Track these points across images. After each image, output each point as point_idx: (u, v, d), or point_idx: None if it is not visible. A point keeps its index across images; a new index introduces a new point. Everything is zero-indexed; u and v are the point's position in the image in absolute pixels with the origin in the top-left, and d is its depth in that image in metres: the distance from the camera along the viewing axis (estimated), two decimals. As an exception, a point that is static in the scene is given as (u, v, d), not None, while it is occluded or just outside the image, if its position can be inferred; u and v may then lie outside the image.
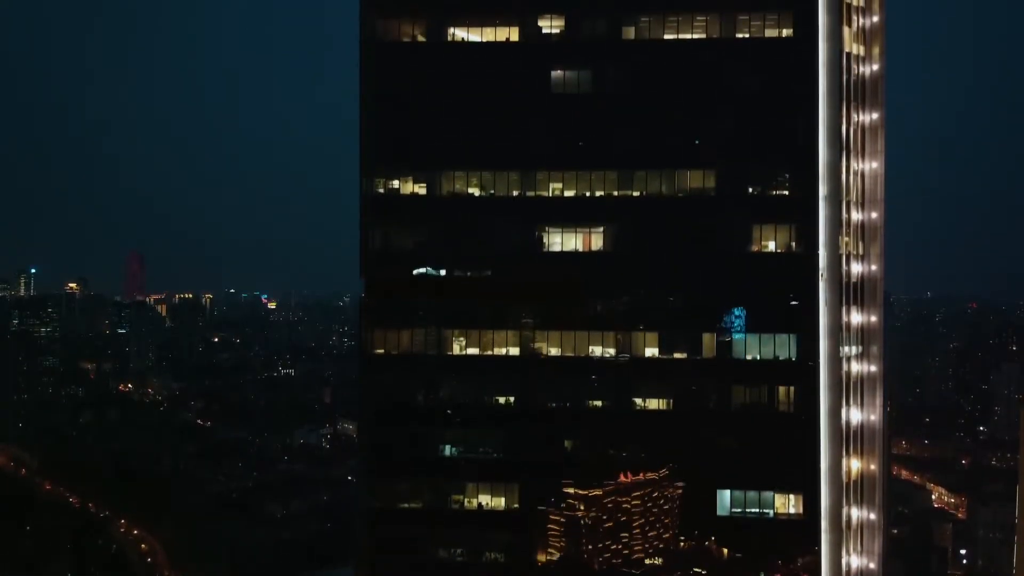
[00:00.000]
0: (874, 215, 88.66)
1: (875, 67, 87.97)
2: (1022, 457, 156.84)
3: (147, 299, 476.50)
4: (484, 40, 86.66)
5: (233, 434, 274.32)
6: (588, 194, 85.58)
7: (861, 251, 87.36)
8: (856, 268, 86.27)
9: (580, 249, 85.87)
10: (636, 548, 77.20)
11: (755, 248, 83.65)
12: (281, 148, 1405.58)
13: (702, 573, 80.00)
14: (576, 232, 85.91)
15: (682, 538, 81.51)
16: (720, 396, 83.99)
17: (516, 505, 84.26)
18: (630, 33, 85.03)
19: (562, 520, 75.70)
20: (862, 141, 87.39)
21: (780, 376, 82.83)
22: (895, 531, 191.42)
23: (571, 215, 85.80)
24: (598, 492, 76.83)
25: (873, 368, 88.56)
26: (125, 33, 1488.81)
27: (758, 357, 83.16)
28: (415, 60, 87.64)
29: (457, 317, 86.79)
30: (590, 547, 76.06)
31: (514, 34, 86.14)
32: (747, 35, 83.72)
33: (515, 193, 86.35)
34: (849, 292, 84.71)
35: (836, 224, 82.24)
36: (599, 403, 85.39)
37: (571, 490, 77.11)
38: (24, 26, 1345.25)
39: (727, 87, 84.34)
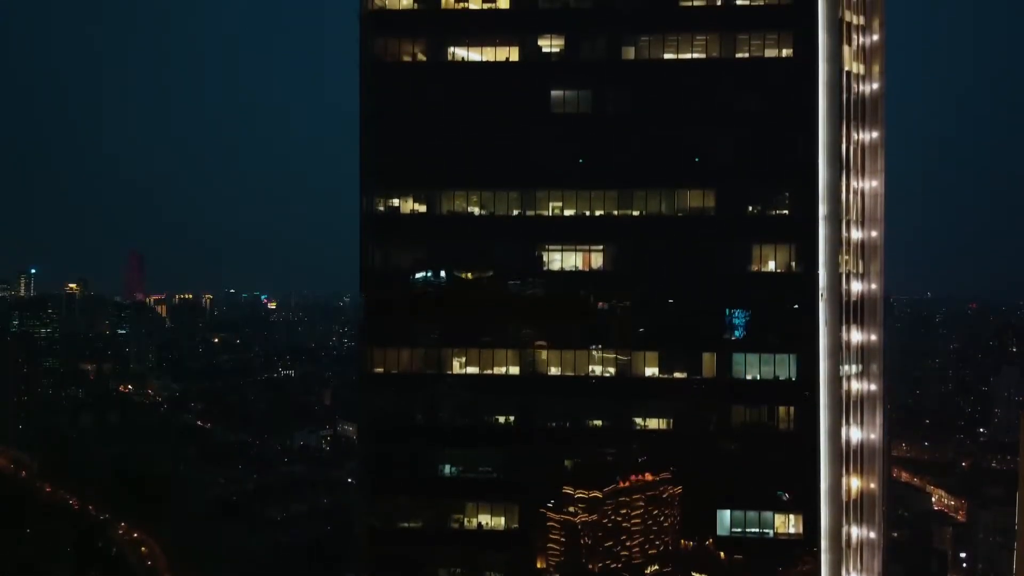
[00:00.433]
0: (874, 233, 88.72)
1: (875, 86, 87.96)
2: (1022, 463, 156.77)
3: (147, 300, 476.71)
4: (484, 59, 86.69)
5: (233, 436, 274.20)
6: (588, 213, 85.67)
7: (861, 269, 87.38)
8: (856, 286, 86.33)
9: (580, 268, 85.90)
10: (636, 551, 77.08)
11: (755, 267, 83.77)
12: (281, 148, 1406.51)
13: None
14: (576, 251, 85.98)
15: (683, 540, 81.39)
16: (720, 415, 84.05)
17: (516, 525, 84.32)
18: (630, 53, 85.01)
19: (561, 523, 75.58)
20: (862, 160, 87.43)
21: (780, 395, 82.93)
22: (895, 534, 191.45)
23: (571, 234, 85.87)
24: (598, 495, 76.66)
25: (873, 387, 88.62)
26: (126, 33, 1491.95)
27: (758, 376, 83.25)
28: (415, 79, 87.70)
29: (457, 336, 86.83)
30: (589, 550, 75.94)
31: (514, 54, 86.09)
32: (747, 55, 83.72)
33: (515, 212, 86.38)
34: (849, 311, 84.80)
35: (836, 243, 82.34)
36: (599, 422, 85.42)
37: (571, 493, 77.03)
38: (24, 26, 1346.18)
39: (727, 107, 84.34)
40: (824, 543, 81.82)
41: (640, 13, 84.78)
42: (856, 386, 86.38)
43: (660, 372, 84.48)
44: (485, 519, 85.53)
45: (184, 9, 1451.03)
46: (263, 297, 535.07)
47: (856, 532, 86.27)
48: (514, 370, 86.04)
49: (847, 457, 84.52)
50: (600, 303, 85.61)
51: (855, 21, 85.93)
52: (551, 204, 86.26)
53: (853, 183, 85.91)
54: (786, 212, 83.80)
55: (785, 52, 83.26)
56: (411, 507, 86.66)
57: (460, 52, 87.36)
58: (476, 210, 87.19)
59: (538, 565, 79.11)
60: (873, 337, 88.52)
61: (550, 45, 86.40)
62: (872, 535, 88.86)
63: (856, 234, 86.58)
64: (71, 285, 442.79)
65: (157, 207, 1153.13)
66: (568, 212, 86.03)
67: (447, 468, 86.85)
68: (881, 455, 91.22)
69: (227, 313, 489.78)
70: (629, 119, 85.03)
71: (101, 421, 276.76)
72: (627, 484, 77.97)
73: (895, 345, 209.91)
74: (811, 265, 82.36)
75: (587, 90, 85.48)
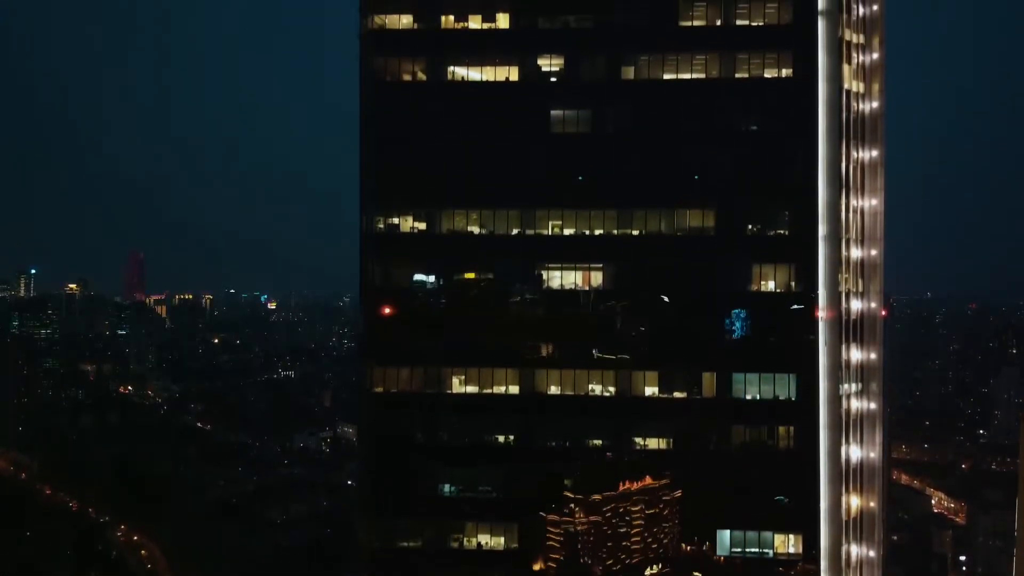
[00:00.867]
0: (873, 252, 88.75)
1: (875, 104, 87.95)
2: (1022, 470, 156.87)
3: (147, 300, 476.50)
4: (484, 79, 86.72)
5: (233, 437, 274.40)
6: (588, 232, 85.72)
7: (860, 288, 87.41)
8: (856, 305, 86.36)
9: (580, 287, 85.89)
10: (636, 554, 77.14)
11: (755, 287, 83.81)
12: (281, 147, 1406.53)
13: None
14: (576, 270, 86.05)
15: (683, 544, 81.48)
16: (720, 435, 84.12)
17: (516, 544, 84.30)
18: (629, 73, 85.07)
19: (561, 526, 75.65)
20: (862, 178, 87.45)
21: (780, 415, 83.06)
22: (895, 537, 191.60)
23: (571, 253, 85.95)
24: (597, 498, 76.70)
25: (872, 405, 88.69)
26: (126, 33, 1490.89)
27: (758, 396, 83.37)
28: (415, 97, 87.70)
29: (457, 354, 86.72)
30: (589, 553, 75.96)
31: (514, 73, 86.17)
32: (746, 75, 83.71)
33: (515, 231, 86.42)
34: (849, 329, 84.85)
35: (835, 263, 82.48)
36: (599, 441, 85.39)
37: (570, 496, 77.14)
38: (24, 25, 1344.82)
39: (726, 127, 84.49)
40: (824, 563, 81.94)
41: (640, 33, 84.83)
42: (856, 404, 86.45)
43: (660, 391, 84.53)
44: (485, 539, 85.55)
45: (184, 9, 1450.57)
46: (263, 297, 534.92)
47: (856, 551, 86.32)
48: (514, 389, 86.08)
49: (847, 476, 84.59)
50: (600, 322, 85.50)
51: (855, 40, 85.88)
52: (551, 223, 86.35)
53: (853, 201, 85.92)
54: (786, 232, 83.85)
55: (785, 72, 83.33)
56: (411, 526, 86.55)
57: (460, 71, 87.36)
58: (476, 229, 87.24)
59: (537, 567, 79.20)
60: (873, 355, 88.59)
61: (550, 64, 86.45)
62: (872, 554, 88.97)
63: (856, 252, 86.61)
64: (71, 285, 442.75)
65: (157, 207, 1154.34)
66: (568, 231, 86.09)
67: (447, 487, 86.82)
68: (881, 473, 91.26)
69: (227, 313, 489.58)
70: (629, 138, 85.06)
71: (101, 422, 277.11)
72: (627, 488, 78.05)
73: (895, 346, 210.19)
74: (811, 285, 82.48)
75: (587, 109, 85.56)
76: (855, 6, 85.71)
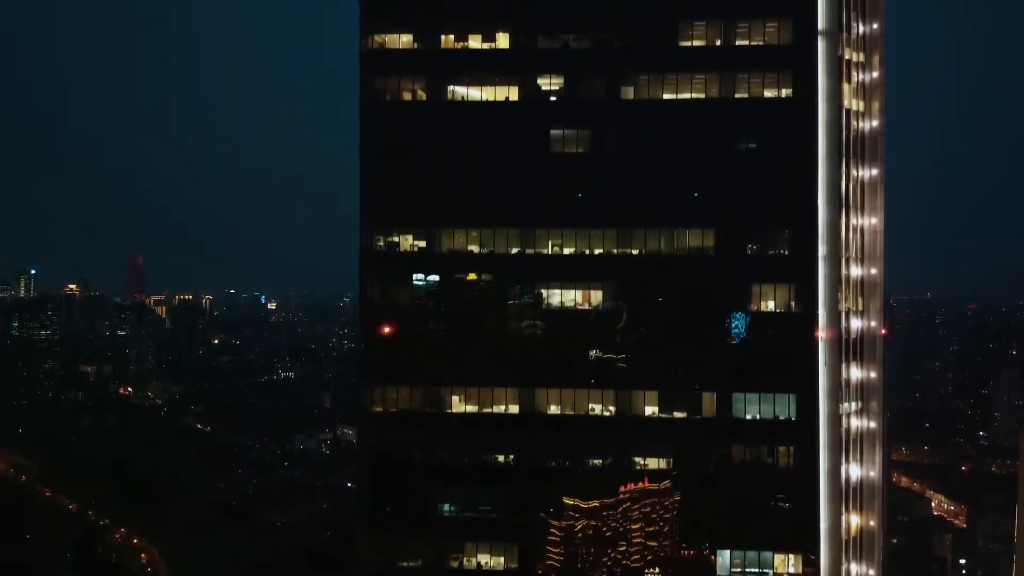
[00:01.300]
0: (873, 271, 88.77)
1: (875, 123, 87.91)
2: (1022, 477, 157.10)
3: (147, 300, 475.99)
4: (484, 98, 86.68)
5: (233, 439, 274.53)
6: (588, 252, 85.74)
7: (860, 307, 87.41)
8: (856, 324, 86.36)
9: (580, 307, 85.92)
10: (635, 558, 77.33)
11: (754, 307, 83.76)
12: (281, 148, 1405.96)
13: None
14: (576, 290, 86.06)
15: (683, 547, 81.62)
16: (720, 455, 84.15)
17: (515, 565, 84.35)
18: (629, 93, 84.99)
19: (560, 530, 75.84)
20: (861, 197, 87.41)
21: (779, 436, 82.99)
22: (895, 540, 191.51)
23: (571, 273, 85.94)
24: (596, 504, 76.86)
25: (873, 424, 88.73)
26: (126, 33, 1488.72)
27: (758, 416, 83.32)
28: (415, 117, 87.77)
29: (456, 374, 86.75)
30: (589, 558, 76.19)
31: (513, 93, 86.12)
32: (746, 95, 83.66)
33: (514, 250, 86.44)
34: (848, 348, 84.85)
35: (835, 283, 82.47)
36: (599, 461, 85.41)
37: (570, 501, 77.30)
38: (24, 25, 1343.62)
39: (726, 146, 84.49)
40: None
41: (639, 52, 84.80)
42: (856, 423, 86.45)
43: (660, 411, 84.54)
44: (485, 559, 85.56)
45: (185, 9, 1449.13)
46: (263, 298, 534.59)
47: (856, 570, 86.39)
48: (513, 408, 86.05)
49: (846, 495, 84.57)
50: (599, 342, 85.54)
51: (855, 58, 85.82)
52: (551, 242, 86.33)
53: (852, 220, 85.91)
54: (785, 251, 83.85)
55: (784, 92, 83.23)
56: (410, 546, 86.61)
57: (460, 90, 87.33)
58: (476, 247, 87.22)
59: (538, 572, 79.43)
60: (873, 374, 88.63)
61: (550, 84, 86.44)
62: (872, 572, 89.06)
63: (856, 271, 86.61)
64: (71, 286, 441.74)
65: (157, 207, 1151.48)
66: (568, 250, 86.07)
67: (447, 507, 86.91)
68: (881, 492, 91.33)
69: (227, 313, 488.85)
70: (628, 158, 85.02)
71: (101, 424, 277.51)
72: (626, 492, 78.26)
73: (895, 347, 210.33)
74: (811, 304, 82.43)
75: (587, 129, 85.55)
76: (855, 25, 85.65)
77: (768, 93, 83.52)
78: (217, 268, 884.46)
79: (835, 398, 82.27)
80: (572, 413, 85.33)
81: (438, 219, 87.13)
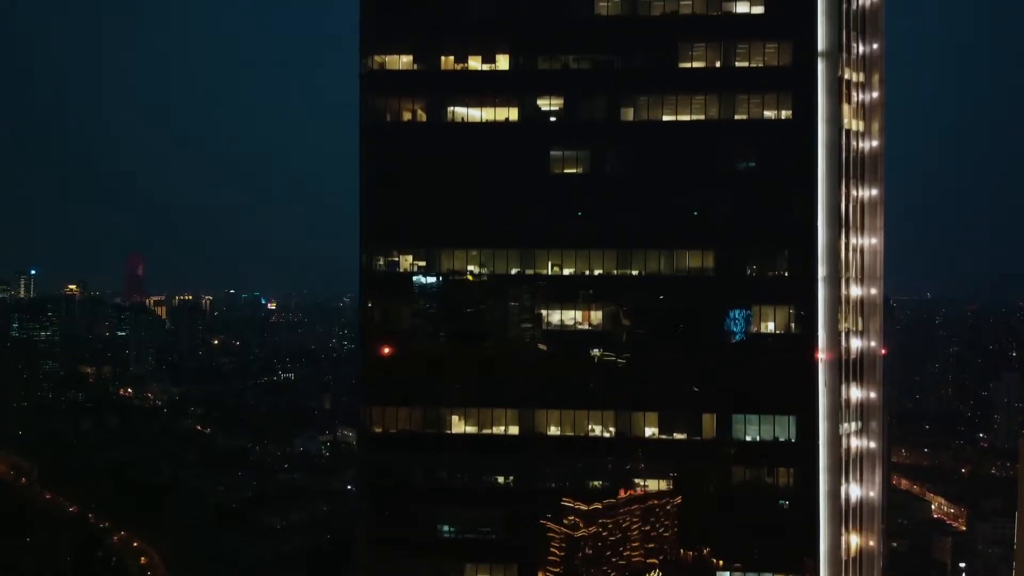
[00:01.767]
0: (873, 291, 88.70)
1: (875, 143, 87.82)
2: (1021, 482, 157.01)
3: (147, 301, 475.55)
4: (484, 119, 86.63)
5: (233, 441, 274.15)
6: (587, 272, 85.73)
7: (860, 327, 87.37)
8: (855, 344, 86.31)
9: (579, 328, 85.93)
10: (635, 562, 77.30)
11: (754, 328, 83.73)
12: (281, 148, 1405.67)
13: None
14: (575, 310, 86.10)
15: (683, 550, 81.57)
16: (719, 477, 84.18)
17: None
18: (628, 114, 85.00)
19: (561, 535, 75.79)
20: (861, 217, 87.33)
21: (779, 457, 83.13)
22: (894, 544, 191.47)
23: (570, 293, 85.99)
24: (597, 507, 76.86)
25: (872, 444, 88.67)
26: (127, 33, 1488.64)
27: (758, 438, 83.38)
28: (415, 138, 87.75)
29: (456, 395, 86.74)
30: (589, 562, 76.12)
31: (513, 114, 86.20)
32: (746, 116, 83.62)
33: (514, 271, 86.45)
34: (848, 369, 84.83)
35: (835, 303, 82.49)
36: (599, 483, 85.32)
37: (570, 505, 77.27)
38: (24, 25, 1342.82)
39: (726, 167, 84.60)
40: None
41: (639, 74, 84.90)
42: (856, 443, 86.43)
43: (660, 432, 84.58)
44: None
45: (185, 8, 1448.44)
46: (263, 298, 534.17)
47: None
48: (513, 429, 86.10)
49: (846, 515, 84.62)
50: (599, 362, 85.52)
51: (855, 79, 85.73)
52: (550, 263, 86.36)
53: (852, 240, 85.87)
54: (785, 273, 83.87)
55: (784, 113, 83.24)
56: (410, 567, 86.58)
57: (460, 111, 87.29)
58: (476, 268, 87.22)
59: None
60: (872, 394, 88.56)
61: (549, 105, 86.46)
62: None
63: (855, 291, 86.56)
64: (71, 286, 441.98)
65: (157, 207, 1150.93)
66: (567, 271, 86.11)
67: (446, 527, 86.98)
68: (880, 511, 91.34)
69: (227, 314, 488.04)
70: (628, 179, 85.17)
71: (101, 426, 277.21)
72: (627, 496, 78.26)
73: (895, 347, 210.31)
74: (810, 325, 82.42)
75: (586, 150, 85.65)
76: (855, 45, 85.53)
77: (768, 114, 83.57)
78: (217, 268, 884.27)
79: (835, 419, 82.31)
80: (572, 434, 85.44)
81: (438, 239, 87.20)
